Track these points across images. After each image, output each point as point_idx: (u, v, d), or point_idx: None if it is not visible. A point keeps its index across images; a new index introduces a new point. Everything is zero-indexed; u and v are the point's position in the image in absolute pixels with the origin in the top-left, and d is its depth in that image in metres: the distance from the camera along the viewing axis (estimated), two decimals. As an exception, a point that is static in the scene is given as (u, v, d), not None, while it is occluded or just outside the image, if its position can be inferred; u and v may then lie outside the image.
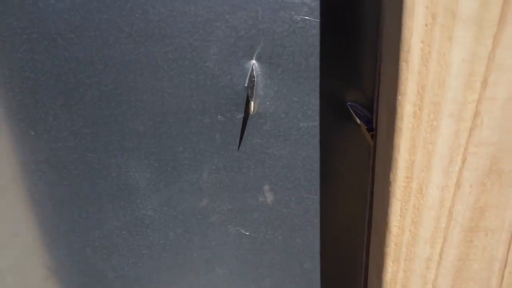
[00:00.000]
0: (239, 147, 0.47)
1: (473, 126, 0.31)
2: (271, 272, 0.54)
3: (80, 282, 0.61)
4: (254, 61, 0.42)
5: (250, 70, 0.42)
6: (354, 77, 0.42)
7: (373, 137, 0.41)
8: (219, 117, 0.45)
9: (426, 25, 0.28)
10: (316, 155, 0.46)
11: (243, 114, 0.45)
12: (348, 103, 0.42)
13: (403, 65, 0.30)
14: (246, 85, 0.40)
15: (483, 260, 0.35)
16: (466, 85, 0.30)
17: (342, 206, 0.48)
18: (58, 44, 0.45)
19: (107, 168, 0.51)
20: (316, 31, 0.40)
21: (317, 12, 0.40)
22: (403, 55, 0.30)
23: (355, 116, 0.42)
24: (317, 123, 0.44)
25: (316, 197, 0.48)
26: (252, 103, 0.44)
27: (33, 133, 0.50)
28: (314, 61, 0.41)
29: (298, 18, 0.40)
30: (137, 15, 0.43)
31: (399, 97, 0.31)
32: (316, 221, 0.50)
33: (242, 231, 0.52)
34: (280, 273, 0.55)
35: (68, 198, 0.54)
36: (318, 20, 0.40)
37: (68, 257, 0.59)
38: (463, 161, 0.32)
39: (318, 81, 0.42)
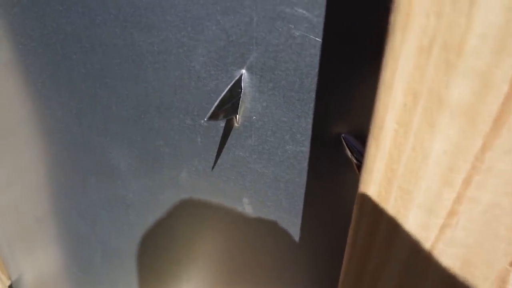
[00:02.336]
0: (219, 156, 0.45)
1: (445, 224, 0.27)
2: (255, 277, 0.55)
3: (65, 240, 0.65)
4: (243, 71, 0.39)
5: (236, 78, 0.39)
6: (352, 106, 0.38)
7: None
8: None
9: (405, 105, 0.24)
10: (301, 180, 0.43)
11: (225, 124, 0.43)
12: (343, 134, 0.39)
13: (372, 142, 0.26)
14: (226, 91, 0.38)
15: None
16: (444, 179, 0.26)
17: (322, 237, 0.46)
18: (46, 14, 0.44)
19: (91, 144, 0.52)
20: (315, 51, 0.36)
21: (319, 30, 0.35)
22: (374, 131, 0.26)
23: (347, 149, 0.39)
24: (305, 149, 0.41)
25: (297, 221, 0.46)
26: (237, 115, 0.41)
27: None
28: (310, 83, 0.38)
29: (297, 34, 0.36)
30: (125, -2, 0.41)
31: (364, 175, 0.27)
32: (295, 241, 0.48)
33: (217, 229, 0.52)
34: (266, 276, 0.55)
35: (55, 163, 0.56)
36: (320, 40, 0.35)
37: (54, 214, 0.62)
38: (429, 255, 0.29)
39: (312, 105, 0.39)
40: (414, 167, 0.26)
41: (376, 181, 0.27)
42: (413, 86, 0.24)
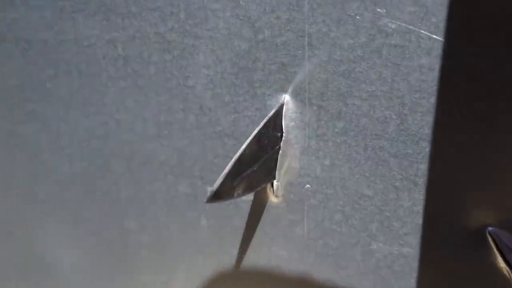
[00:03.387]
0: (242, 256, 0.42)
1: None
2: None
3: None
4: (286, 96, 0.37)
5: (273, 112, 0.37)
6: (505, 172, 0.34)
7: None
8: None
9: None
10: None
11: (254, 197, 0.41)
12: (489, 228, 0.36)
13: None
14: (252, 137, 0.35)
15: None
16: None
17: None
18: None
19: (9, 221, 0.51)
20: (430, 61, 0.33)
21: (438, 20, 0.32)
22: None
23: (498, 255, 0.36)
24: (412, 252, 0.38)
25: None
26: (275, 181, 0.39)
27: None
28: (419, 123, 0.34)
29: (392, 26, 0.33)
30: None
31: None
32: None
33: None
34: None
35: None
36: (441, 39, 0.32)
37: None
38: None
39: (424, 166, 0.35)
40: None
41: None
42: None
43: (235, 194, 0.35)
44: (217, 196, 0.34)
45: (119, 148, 0.43)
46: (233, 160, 0.34)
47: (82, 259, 0.50)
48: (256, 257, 0.43)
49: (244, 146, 0.35)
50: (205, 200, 0.33)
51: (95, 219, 0.47)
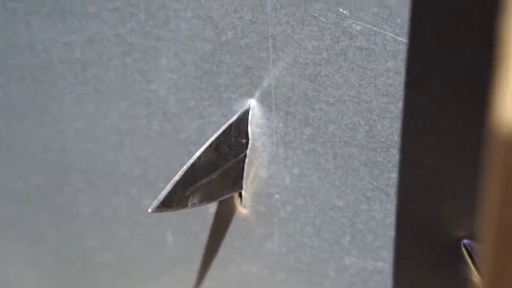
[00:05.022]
0: (205, 270, 0.44)
1: None
2: None
3: None
4: (252, 101, 0.39)
5: (236, 116, 0.39)
6: (481, 179, 0.35)
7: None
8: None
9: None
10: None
11: (217, 207, 0.42)
12: (464, 240, 0.38)
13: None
14: (211, 141, 0.37)
15: None
16: None
17: None
18: None
19: None
20: (395, 65, 0.35)
21: (402, 21, 0.34)
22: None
23: (473, 269, 0.38)
24: (385, 266, 0.40)
25: None
26: (243, 191, 0.41)
27: None
28: (388, 130, 0.37)
29: (357, 28, 0.35)
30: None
31: None
32: None
33: None
34: None
35: None
36: (405, 40, 0.34)
37: None
38: None
39: (393, 175, 0.38)
40: None
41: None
42: None
43: (189, 204, 0.37)
44: (165, 204, 0.36)
45: (78, 159, 0.45)
46: (184, 168, 0.36)
47: (40, 282, 0.51)
48: (225, 275, 0.45)
49: (197, 154, 0.37)
50: (149, 209, 0.35)
51: (52, 238, 0.49)
